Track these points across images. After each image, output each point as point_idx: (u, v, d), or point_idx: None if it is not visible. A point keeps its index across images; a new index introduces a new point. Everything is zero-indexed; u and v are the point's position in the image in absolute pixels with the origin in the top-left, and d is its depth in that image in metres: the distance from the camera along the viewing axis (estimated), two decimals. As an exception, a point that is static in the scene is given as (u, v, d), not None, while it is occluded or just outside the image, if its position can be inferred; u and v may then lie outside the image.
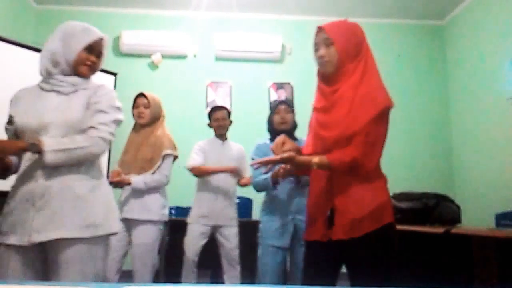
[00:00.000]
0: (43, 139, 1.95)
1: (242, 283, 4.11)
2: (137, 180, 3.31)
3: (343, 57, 2.13)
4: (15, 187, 2.07)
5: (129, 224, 3.33)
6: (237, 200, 4.24)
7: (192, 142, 5.74)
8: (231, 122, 4.20)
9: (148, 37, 6.19)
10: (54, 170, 2.01)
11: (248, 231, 4.13)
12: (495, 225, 3.74)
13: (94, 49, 2.21)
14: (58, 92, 2.14)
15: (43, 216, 1.96)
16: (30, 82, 4.61)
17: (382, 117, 2.09)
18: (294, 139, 3.27)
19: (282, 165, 2.94)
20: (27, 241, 1.94)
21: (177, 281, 4.04)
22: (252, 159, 3.43)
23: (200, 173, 4.07)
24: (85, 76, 2.21)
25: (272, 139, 3.41)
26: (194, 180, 5.65)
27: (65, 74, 2.16)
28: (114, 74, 5.89)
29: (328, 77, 2.18)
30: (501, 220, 3.64)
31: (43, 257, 2.02)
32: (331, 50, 2.14)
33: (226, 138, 4.20)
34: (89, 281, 1.98)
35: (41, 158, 1.94)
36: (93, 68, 2.23)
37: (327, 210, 2.13)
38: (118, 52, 6.25)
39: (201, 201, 4.08)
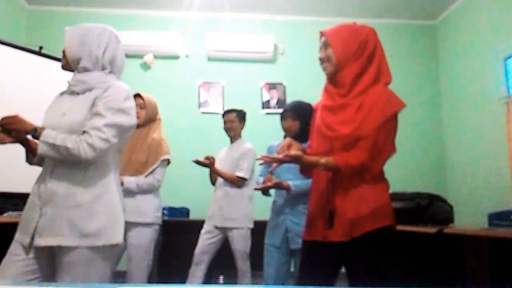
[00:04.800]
0: (45, 129, 1.98)
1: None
2: (130, 180, 3.29)
3: (341, 59, 2.17)
4: (34, 186, 2.09)
5: (124, 226, 3.31)
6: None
7: (183, 142, 5.75)
8: (243, 123, 4.34)
9: (140, 38, 6.15)
10: (61, 175, 2.01)
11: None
12: (488, 225, 3.74)
13: None
14: (72, 92, 2.16)
15: (46, 221, 1.96)
16: (22, 83, 4.58)
17: (391, 121, 2.12)
18: (305, 141, 3.19)
19: (268, 183, 3.13)
20: (28, 242, 1.96)
21: (170, 281, 4.04)
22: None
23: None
24: (64, 68, 2.23)
25: None
26: (187, 180, 5.65)
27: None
28: (106, 74, 5.87)
29: (334, 79, 2.22)
30: (493, 220, 3.64)
31: (51, 258, 2.01)
32: (328, 51, 2.20)
33: (236, 140, 4.31)
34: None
35: None
36: (64, 56, 2.21)
37: (327, 211, 2.14)
38: (110, 52, 6.21)
39: (211, 202, 4.26)
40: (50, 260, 2.02)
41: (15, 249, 2.00)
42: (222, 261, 4.25)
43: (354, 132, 2.07)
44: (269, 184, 3.12)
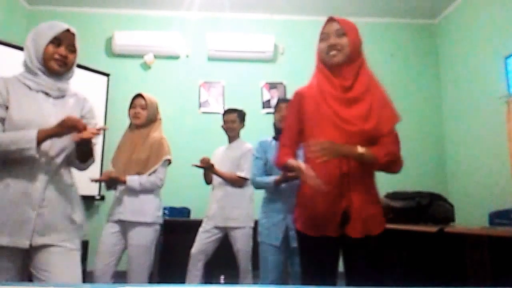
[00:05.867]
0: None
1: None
2: (133, 179, 3.28)
3: (352, 50, 2.16)
4: (14, 187, 2.01)
5: (124, 226, 3.30)
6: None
7: (184, 142, 5.75)
8: (243, 123, 4.34)
9: (141, 38, 6.16)
10: (59, 178, 2.09)
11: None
12: (489, 223, 3.75)
13: (63, 42, 2.16)
14: (46, 94, 2.15)
15: (45, 220, 1.99)
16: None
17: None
18: None
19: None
20: (27, 244, 1.95)
21: (171, 281, 4.03)
22: (256, 157, 3.54)
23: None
24: (57, 72, 2.17)
25: (275, 137, 3.41)
26: (188, 180, 5.64)
27: (46, 75, 2.17)
28: (107, 74, 5.89)
29: (337, 69, 2.18)
30: (494, 218, 3.65)
31: (26, 259, 2.03)
32: (343, 40, 2.16)
33: (235, 140, 4.30)
34: (78, 281, 2.04)
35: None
36: (64, 62, 2.17)
37: (341, 207, 2.10)
38: (111, 52, 6.22)
39: (209, 202, 4.26)
40: (23, 261, 2.03)
41: (6, 261, 1.98)
42: (223, 261, 4.24)
43: (374, 128, 2.07)
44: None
